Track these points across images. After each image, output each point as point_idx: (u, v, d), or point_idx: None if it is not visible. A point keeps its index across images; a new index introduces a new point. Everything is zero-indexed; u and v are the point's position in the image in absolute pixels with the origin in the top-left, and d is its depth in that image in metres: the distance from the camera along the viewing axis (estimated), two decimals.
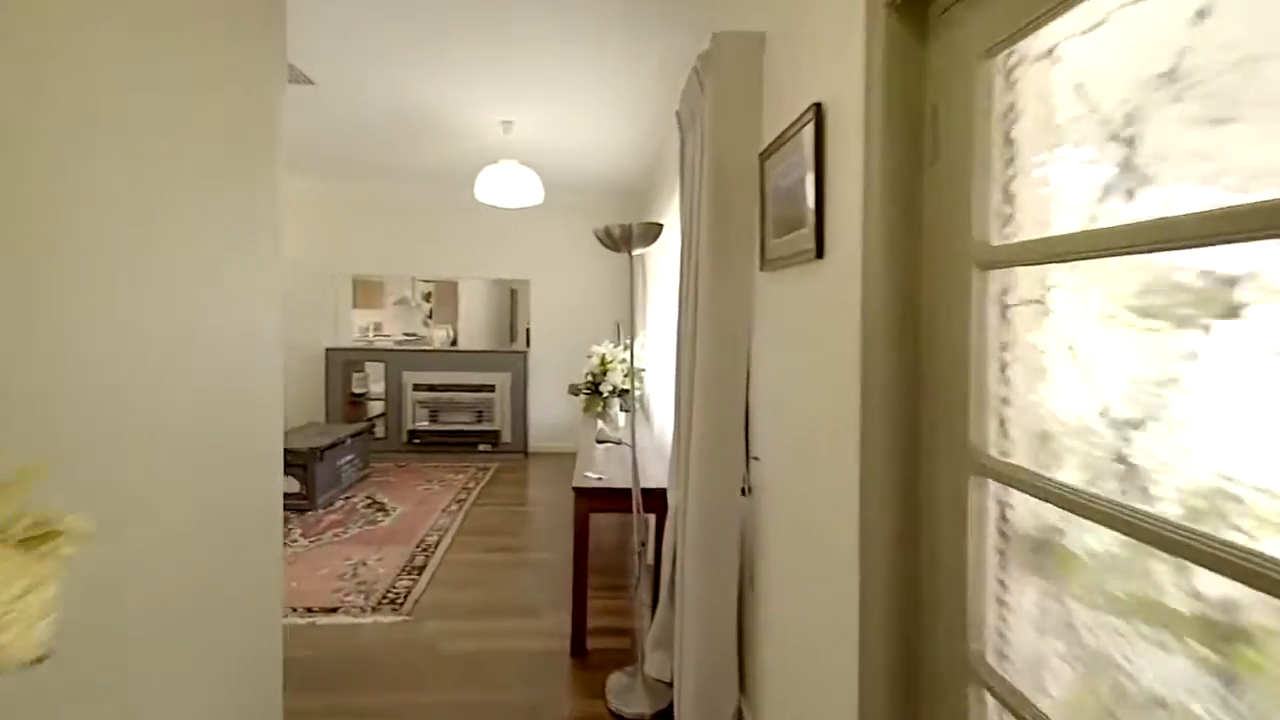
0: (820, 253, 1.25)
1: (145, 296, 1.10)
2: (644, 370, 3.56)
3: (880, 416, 0.98)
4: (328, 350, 5.42)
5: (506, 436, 5.46)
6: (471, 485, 4.57)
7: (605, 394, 2.81)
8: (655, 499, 2.23)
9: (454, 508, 4.02)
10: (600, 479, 2.33)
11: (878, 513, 0.99)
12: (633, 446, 2.05)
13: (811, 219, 1.27)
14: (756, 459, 1.73)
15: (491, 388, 5.43)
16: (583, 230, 5.56)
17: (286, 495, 4.08)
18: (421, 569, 3.02)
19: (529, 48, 2.56)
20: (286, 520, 3.71)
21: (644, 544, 2.05)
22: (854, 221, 1.07)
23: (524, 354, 5.51)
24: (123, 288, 1.06)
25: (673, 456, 2.11)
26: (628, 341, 2.10)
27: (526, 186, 3.43)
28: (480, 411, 5.45)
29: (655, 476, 2.36)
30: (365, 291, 6.13)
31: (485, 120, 3.34)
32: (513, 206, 3.58)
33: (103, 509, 0.98)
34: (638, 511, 2.10)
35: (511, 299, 5.93)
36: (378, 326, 6.29)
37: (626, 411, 2.99)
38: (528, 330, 5.78)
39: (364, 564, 3.08)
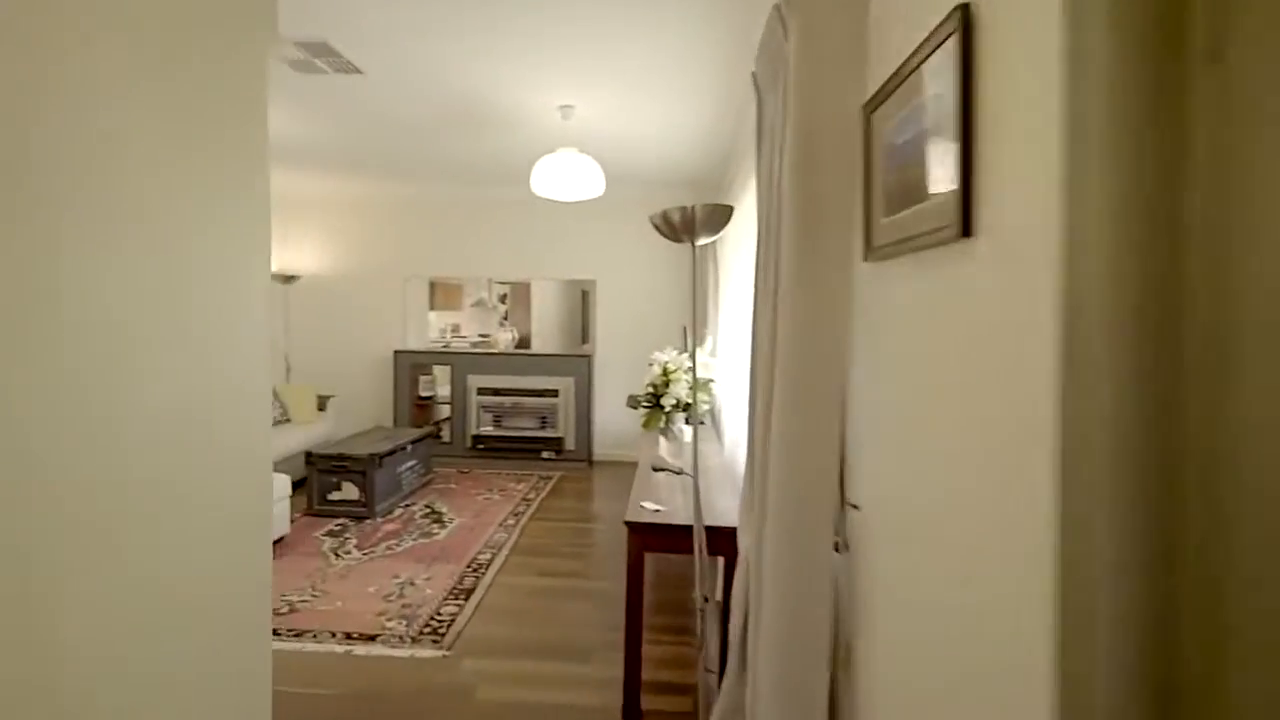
0: (967, 229, 0.84)
1: (93, 276, 0.87)
2: (712, 381, 3.18)
3: (1107, 456, 0.57)
4: (396, 353, 5.41)
5: (570, 444, 5.23)
6: (531, 496, 4.35)
7: (667, 408, 2.45)
8: (726, 539, 1.86)
9: (511, 521, 3.80)
10: (659, 511, 1.98)
11: (1109, 599, 0.58)
12: (695, 477, 1.69)
13: (953, 183, 0.86)
14: (855, 507, 1.32)
15: (555, 393, 5.21)
16: (648, 226, 5.24)
17: (345, 503, 4.03)
18: (469, 593, 2.80)
19: (590, 20, 2.26)
20: (344, 529, 3.63)
21: (708, 600, 1.69)
22: (1037, 176, 0.67)
23: (589, 358, 5.26)
24: (68, 267, 0.82)
25: (745, 491, 1.74)
26: (692, 349, 1.73)
27: (586, 177, 3.14)
28: (544, 417, 5.25)
29: (726, 512, 1.99)
30: (444, 293, 6.12)
31: (542, 105, 3.07)
32: (571, 199, 3.30)
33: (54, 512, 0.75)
34: (701, 554, 1.74)
35: (583, 300, 5.69)
36: (455, 328, 6.25)
37: (697, 424, 2.62)
38: (594, 333, 5.54)
39: (412, 583, 2.90)
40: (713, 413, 3.79)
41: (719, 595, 1.97)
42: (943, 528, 0.93)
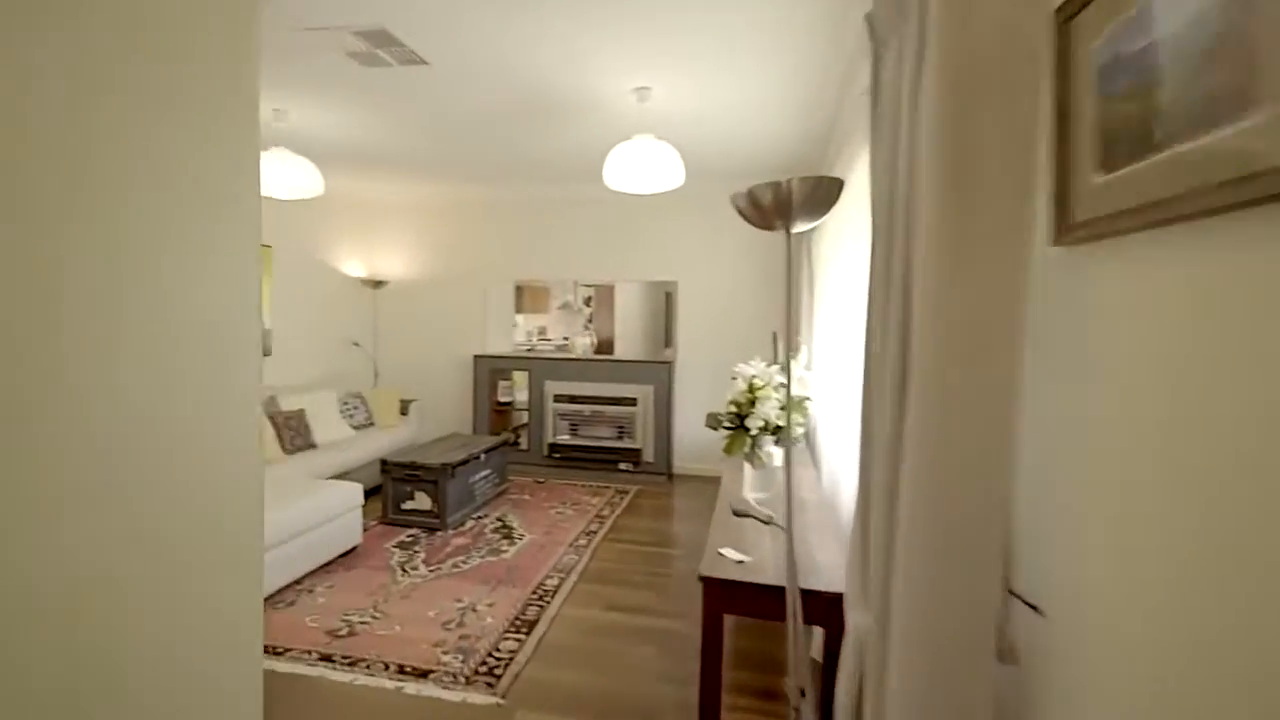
0: None
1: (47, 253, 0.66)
2: (807, 400, 2.74)
3: None
4: (476, 358, 5.36)
5: (649, 455, 4.93)
6: (606, 512, 4.09)
7: (753, 431, 2.07)
8: (828, 606, 1.47)
9: (583, 541, 3.55)
10: (742, 563, 1.62)
11: None
12: (789, 529, 1.31)
13: None
14: (1036, 609, 0.90)
15: (634, 401, 4.94)
16: (730, 222, 4.86)
17: (418, 513, 3.95)
18: (531, 625, 2.55)
19: None
20: (415, 540, 3.53)
21: (804, 694, 1.31)
22: None
23: (669, 365, 4.94)
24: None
25: (855, 548, 1.33)
26: (784, 359, 1.36)
27: (664, 166, 2.82)
28: (622, 427, 4.99)
29: (828, 570, 1.59)
30: (532, 296, 6.03)
31: (616, 88, 2.79)
32: (648, 191, 2.99)
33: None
34: (795, 629, 1.36)
35: (665, 303, 5.38)
36: (542, 331, 6.14)
37: (791, 454, 2.22)
38: (676, 338, 5.21)
39: (474, 609, 2.70)
40: (808, 435, 3.34)
41: (817, 645, 1.57)
42: (1217, 656, 0.52)
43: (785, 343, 1.42)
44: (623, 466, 4.95)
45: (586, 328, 5.79)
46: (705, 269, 5.08)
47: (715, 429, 2.18)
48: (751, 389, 2.11)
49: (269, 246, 4.55)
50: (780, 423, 2.04)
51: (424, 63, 2.58)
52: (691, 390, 5.08)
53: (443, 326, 5.70)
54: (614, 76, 2.69)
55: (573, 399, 5.07)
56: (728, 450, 2.14)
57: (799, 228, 1.27)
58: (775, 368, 2.24)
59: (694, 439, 5.07)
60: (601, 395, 5.01)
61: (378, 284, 5.62)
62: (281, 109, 3.18)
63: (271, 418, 4.04)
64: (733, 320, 5.00)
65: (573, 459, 5.06)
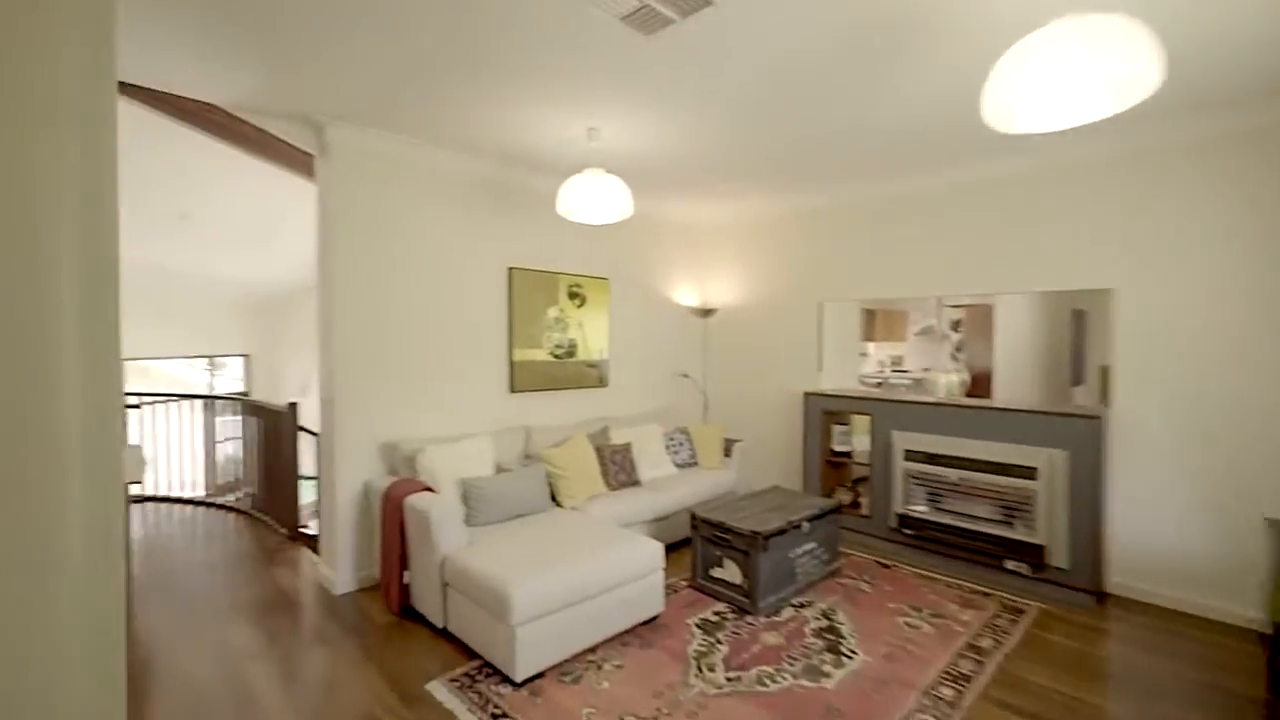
0: None
1: None
2: None
3: None
4: (806, 395, 4.56)
5: (1059, 558, 3.28)
6: (986, 643, 2.76)
7: None
8: None
9: (946, 689, 2.38)
10: None
11: None
12: None
13: None
14: None
15: (1031, 471, 3.37)
16: (1203, 189, 2.85)
17: (726, 584, 3.32)
18: None
19: None
20: (720, 622, 2.93)
21: None
22: None
23: (1097, 419, 3.21)
24: None
25: None
26: None
27: (1097, 85, 1.55)
28: (1011, 507, 3.47)
29: None
30: (885, 320, 5.01)
31: None
32: (1056, 128, 1.79)
33: None
34: None
35: (1075, 326, 3.65)
36: (897, 361, 5.03)
37: None
38: (1104, 377, 3.41)
39: None
40: None
41: None
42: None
43: None
44: (1012, 567, 3.42)
45: (954, 359, 4.37)
46: (1162, 269, 3.17)
47: None
48: None
49: (605, 279, 4.69)
50: None
51: (708, 4, 1.97)
52: (1146, 461, 3.22)
53: (771, 358, 5.10)
54: None
55: (932, 458, 3.79)
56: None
57: None
58: None
59: (1154, 544, 3.19)
60: (978, 458, 3.59)
61: (707, 312, 5.37)
62: (595, 127, 3.06)
63: (599, 450, 4.04)
64: (1226, 349, 2.97)
65: (932, 542, 3.76)
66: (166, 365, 7.78)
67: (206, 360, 8.05)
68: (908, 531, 3.85)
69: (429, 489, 3.10)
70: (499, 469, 3.58)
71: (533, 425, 4.07)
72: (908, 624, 2.92)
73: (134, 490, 4.66)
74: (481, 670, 2.52)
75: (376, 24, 2.12)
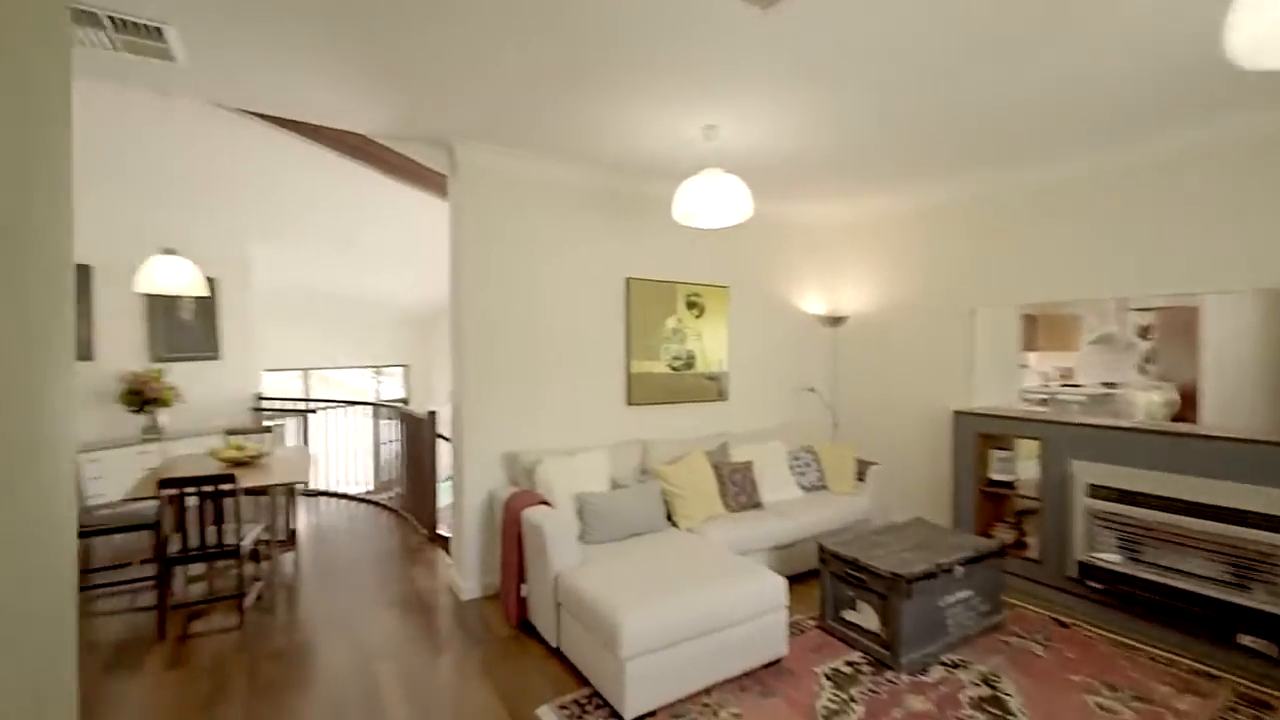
0: None
1: None
2: None
3: None
4: (956, 414, 3.99)
5: None
6: None
7: None
8: None
9: None
10: None
11: None
12: None
13: None
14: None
15: (1264, 520, 2.62)
16: None
17: (861, 630, 2.94)
18: None
19: None
20: (854, 675, 2.60)
21: None
22: None
23: None
24: None
25: None
26: None
27: None
28: (1240, 564, 2.73)
29: None
30: (1049, 327, 4.32)
31: None
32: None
33: None
34: None
35: None
36: (1066, 375, 4.31)
37: None
38: None
39: None
40: None
41: None
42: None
43: None
44: (1246, 642, 2.68)
45: (1144, 372, 3.58)
46: None
47: None
48: None
49: (724, 286, 4.47)
50: None
51: None
52: None
53: (911, 370, 4.56)
54: None
55: (1126, 495, 3.10)
56: None
57: None
58: None
59: None
60: (1195, 499, 2.87)
61: (836, 320, 4.94)
62: (713, 124, 2.88)
63: (717, 468, 3.83)
64: None
65: (1128, 600, 3.07)
66: (345, 375, 8.79)
67: (374, 370, 8.99)
68: (1093, 584, 3.19)
69: (545, 502, 3.10)
70: (614, 484, 3.51)
71: (649, 439, 3.97)
72: (1100, 706, 2.37)
73: (302, 486, 5.25)
74: (591, 700, 2.42)
75: (503, 37, 2.13)
